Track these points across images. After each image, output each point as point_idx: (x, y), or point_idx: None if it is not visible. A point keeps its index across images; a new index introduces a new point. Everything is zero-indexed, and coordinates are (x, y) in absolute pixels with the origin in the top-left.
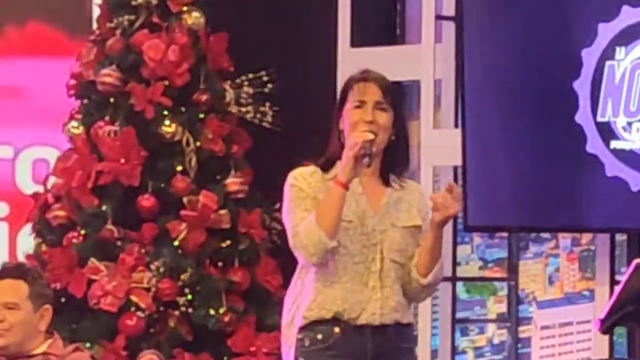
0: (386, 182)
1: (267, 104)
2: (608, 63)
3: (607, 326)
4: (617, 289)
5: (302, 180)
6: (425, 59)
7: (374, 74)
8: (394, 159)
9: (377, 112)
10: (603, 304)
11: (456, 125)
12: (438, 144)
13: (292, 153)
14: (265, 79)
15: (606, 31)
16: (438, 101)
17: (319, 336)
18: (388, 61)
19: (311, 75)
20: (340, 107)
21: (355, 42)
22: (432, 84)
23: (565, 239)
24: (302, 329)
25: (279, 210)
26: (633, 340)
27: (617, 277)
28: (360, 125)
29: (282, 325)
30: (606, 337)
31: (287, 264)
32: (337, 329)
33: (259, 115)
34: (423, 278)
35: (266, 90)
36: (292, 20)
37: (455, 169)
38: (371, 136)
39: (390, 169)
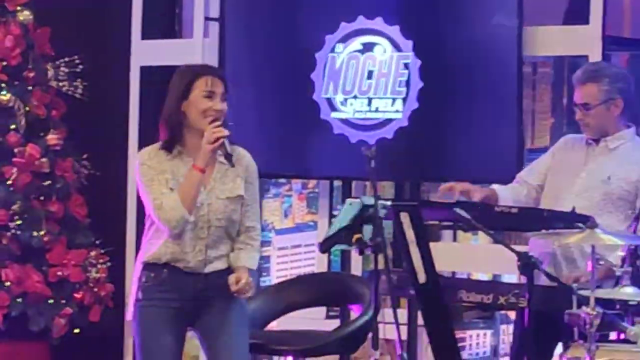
0: (214, 159)
1: (79, 80)
2: (330, 55)
3: (325, 248)
4: (334, 220)
5: (149, 160)
6: (196, 50)
7: (219, 70)
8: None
9: (222, 103)
10: (323, 231)
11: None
12: None
13: (96, 117)
14: (77, 61)
15: (331, 38)
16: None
17: (152, 274)
18: (168, 51)
19: (113, 59)
20: (185, 93)
21: (145, 35)
22: None
23: (296, 183)
24: (144, 268)
25: (86, 159)
26: (345, 258)
27: (334, 212)
28: (210, 113)
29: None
30: (325, 256)
31: (91, 199)
32: (165, 270)
33: (72, 89)
34: None
35: (77, 70)
36: (100, 17)
37: None
38: (227, 132)
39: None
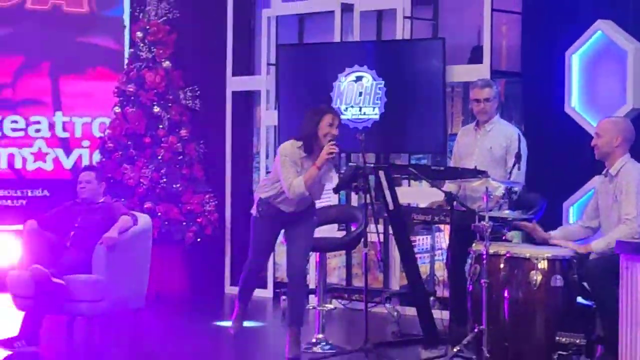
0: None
1: (197, 100)
2: (337, 83)
3: (336, 191)
4: (341, 175)
5: (290, 154)
6: (262, 83)
7: (335, 109)
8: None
9: (337, 130)
10: (335, 181)
11: (275, 109)
12: (270, 117)
13: (208, 120)
14: (196, 89)
15: (340, 75)
16: (268, 99)
17: (265, 207)
18: (247, 83)
19: (216, 87)
20: (318, 121)
21: (234, 73)
22: (265, 92)
23: None
24: (261, 200)
25: (202, 144)
26: (348, 196)
27: (341, 171)
28: (329, 136)
29: (257, 187)
30: (337, 195)
31: (206, 166)
32: (272, 207)
33: (193, 105)
34: None
35: (196, 94)
36: (210, 62)
37: (275, 126)
38: (337, 150)
39: None
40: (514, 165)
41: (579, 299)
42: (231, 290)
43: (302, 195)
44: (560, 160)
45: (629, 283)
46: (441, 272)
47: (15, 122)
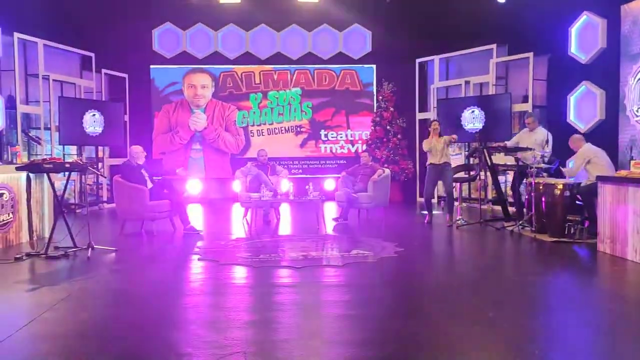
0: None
1: (405, 122)
2: (462, 114)
3: (468, 156)
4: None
5: (426, 141)
6: (432, 114)
7: (436, 120)
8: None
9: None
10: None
11: None
12: None
13: (408, 132)
14: (404, 119)
15: (461, 111)
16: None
17: (428, 165)
18: (423, 115)
19: (410, 116)
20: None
21: (420, 110)
22: (431, 119)
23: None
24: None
25: (406, 142)
26: (468, 159)
27: (466, 151)
28: (433, 132)
29: None
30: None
31: (408, 155)
32: (429, 164)
33: (402, 125)
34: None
35: (404, 119)
36: (406, 102)
37: None
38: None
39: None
40: (546, 144)
41: (577, 202)
42: (420, 199)
43: (429, 150)
44: None
45: (603, 194)
46: (509, 192)
47: (331, 134)
